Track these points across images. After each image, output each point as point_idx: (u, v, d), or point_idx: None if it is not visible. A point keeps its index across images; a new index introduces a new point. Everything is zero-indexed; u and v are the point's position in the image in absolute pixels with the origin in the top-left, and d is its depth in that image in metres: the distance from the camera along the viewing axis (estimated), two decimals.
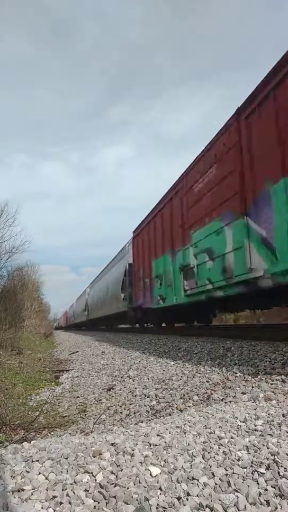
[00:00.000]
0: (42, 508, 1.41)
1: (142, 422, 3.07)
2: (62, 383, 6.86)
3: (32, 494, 1.49)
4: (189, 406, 3.30)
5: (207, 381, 3.87)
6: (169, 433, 2.08)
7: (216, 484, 1.49)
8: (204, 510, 1.33)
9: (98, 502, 1.43)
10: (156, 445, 1.90)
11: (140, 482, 1.53)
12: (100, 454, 1.81)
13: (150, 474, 1.60)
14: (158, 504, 1.37)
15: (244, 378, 3.63)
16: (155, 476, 1.58)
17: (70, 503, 1.42)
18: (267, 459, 1.65)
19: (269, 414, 2.30)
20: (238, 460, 1.67)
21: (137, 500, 1.41)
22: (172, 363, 5.43)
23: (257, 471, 1.55)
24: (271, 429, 2.02)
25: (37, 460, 1.79)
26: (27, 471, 1.67)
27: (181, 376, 4.44)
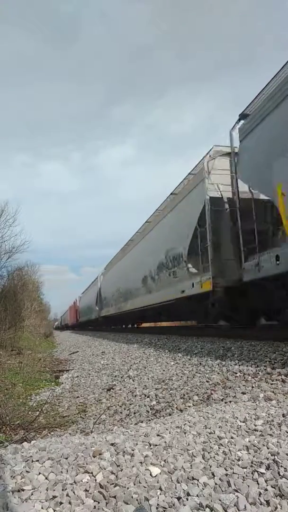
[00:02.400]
0: (42, 508, 1.41)
1: (142, 422, 3.07)
2: (62, 383, 6.86)
3: (32, 494, 1.49)
4: (189, 406, 3.30)
5: (207, 381, 3.87)
6: (169, 433, 2.08)
7: (216, 484, 1.49)
8: (204, 510, 1.33)
9: (98, 502, 1.43)
10: (156, 445, 1.90)
11: (140, 482, 1.53)
12: (100, 454, 1.81)
13: (150, 474, 1.60)
14: (158, 504, 1.37)
15: (244, 378, 3.63)
16: (155, 476, 1.58)
17: (70, 503, 1.42)
18: (267, 459, 1.65)
19: (269, 414, 2.30)
20: (238, 460, 1.67)
21: (137, 500, 1.41)
22: (172, 363, 5.43)
23: (257, 471, 1.55)
24: (271, 429, 2.02)
25: (37, 460, 1.78)
26: (27, 471, 1.67)
27: (181, 376, 4.44)
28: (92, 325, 28.06)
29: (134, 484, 1.52)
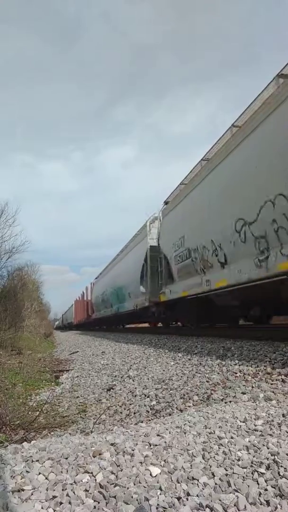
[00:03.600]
0: (42, 508, 1.41)
1: (142, 422, 3.07)
2: (62, 383, 6.86)
3: (32, 494, 1.49)
4: (189, 406, 3.30)
5: (207, 381, 3.87)
6: (169, 433, 2.08)
7: (216, 484, 1.49)
8: (204, 510, 1.33)
9: (98, 502, 1.43)
10: (156, 445, 1.90)
11: (140, 482, 1.53)
12: (100, 454, 1.81)
13: (150, 474, 1.60)
14: (158, 504, 1.37)
15: (244, 378, 3.63)
16: (155, 476, 1.58)
17: (70, 503, 1.42)
18: (267, 459, 1.65)
19: (269, 414, 2.30)
20: (238, 460, 1.67)
21: (137, 500, 1.41)
22: (172, 363, 5.42)
23: (257, 471, 1.55)
24: (271, 429, 2.02)
25: (37, 460, 1.78)
26: (27, 471, 1.67)
27: (181, 376, 4.44)
28: (128, 322, 15.13)
29: (134, 484, 1.52)
